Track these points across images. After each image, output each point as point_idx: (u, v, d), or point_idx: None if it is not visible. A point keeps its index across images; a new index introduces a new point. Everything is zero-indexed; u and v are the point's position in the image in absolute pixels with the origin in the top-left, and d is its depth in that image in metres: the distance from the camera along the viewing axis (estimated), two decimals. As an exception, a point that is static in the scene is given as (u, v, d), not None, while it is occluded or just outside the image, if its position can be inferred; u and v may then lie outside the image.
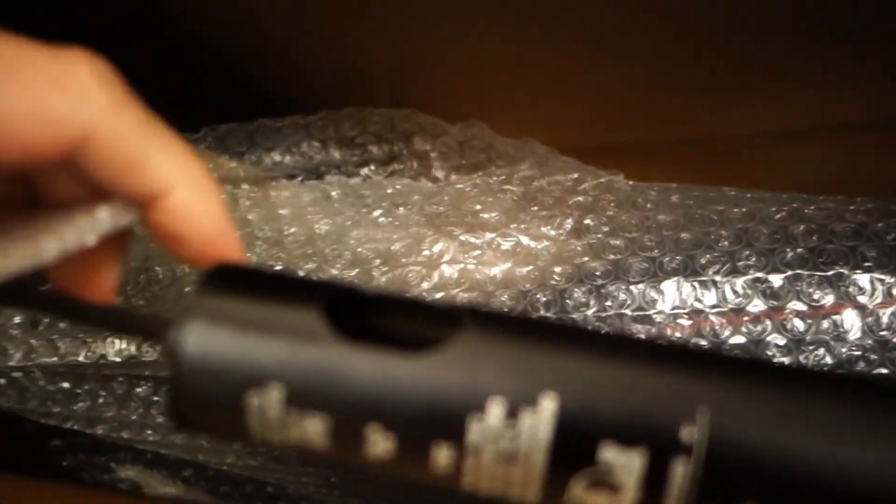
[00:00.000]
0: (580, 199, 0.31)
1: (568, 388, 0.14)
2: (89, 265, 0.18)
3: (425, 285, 0.29)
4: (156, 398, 0.30)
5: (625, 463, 0.14)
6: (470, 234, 0.30)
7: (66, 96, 0.15)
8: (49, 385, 0.32)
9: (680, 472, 0.14)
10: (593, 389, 0.14)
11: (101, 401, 0.32)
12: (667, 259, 0.29)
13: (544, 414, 0.14)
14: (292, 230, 0.31)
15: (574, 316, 0.28)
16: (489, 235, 0.30)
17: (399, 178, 0.35)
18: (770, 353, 0.28)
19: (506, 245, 0.30)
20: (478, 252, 0.30)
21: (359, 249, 0.30)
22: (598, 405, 0.14)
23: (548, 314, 0.29)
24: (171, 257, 0.32)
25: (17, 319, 0.32)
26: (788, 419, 0.14)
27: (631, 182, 0.32)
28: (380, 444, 0.14)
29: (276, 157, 0.35)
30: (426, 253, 0.30)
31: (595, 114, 0.41)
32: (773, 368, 0.16)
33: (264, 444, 0.15)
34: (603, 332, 0.17)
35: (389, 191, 0.32)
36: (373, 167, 0.35)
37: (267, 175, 0.34)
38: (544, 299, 0.29)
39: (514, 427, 0.14)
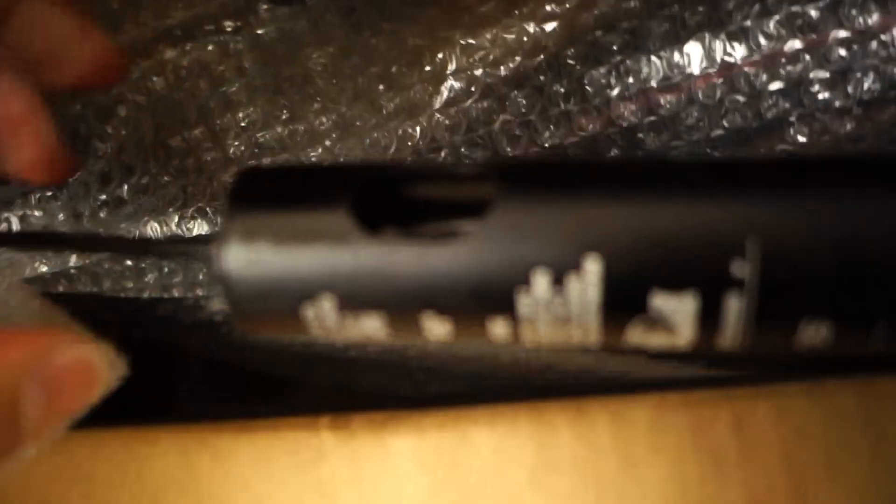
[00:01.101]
0: (583, -41, 0.27)
1: (610, 246, 0.14)
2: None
3: (436, 104, 0.28)
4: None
5: (677, 306, 0.14)
6: (470, 36, 0.27)
7: None
8: (116, 265, 0.34)
9: (734, 305, 0.14)
10: (636, 243, 0.14)
11: (166, 270, 0.34)
12: (688, 14, 0.26)
13: (589, 277, 0.14)
14: (288, 73, 0.29)
15: (596, 102, 0.27)
16: (490, 32, 0.27)
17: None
18: (814, 90, 0.26)
19: (510, 37, 0.27)
20: (482, 53, 0.27)
21: (360, 79, 0.28)
22: (642, 258, 0.14)
23: (568, 106, 0.27)
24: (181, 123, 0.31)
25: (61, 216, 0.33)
26: (839, 227, 0.13)
27: (637, -78, 0.28)
28: (437, 328, 0.15)
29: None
30: (428, 69, 0.28)
31: None
32: (820, 165, 0.14)
33: (329, 340, 0.16)
34: (639, 162, 0.16)
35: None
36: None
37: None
38: (563, 90, 0.27)
39: (562, 293, 0.14)
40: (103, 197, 0.31)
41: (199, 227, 0.30)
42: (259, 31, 0.30)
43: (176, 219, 0.30)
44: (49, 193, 0.31)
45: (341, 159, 0.28)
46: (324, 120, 0.28)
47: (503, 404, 0.24)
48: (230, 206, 0.16)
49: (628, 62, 0.26)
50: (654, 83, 0.26)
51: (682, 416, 0.24)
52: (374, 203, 0.15)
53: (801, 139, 0.27)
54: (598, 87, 0.27)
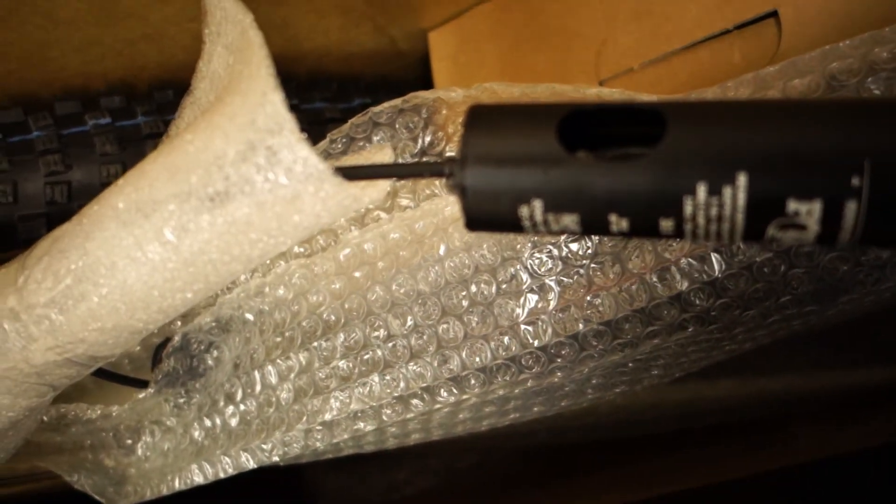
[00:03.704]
0: None
1: (756, 164, 0.18)
2: None
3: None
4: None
5: (807, 209, 0.18)
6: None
7: None
8: None
9: (852, 209, 0.18)
10: (776, 162, 0.18)
11: None
12: None
13: (740, 187, 0.18)
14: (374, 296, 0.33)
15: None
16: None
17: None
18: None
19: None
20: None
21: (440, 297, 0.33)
22: (781, 173, 0.18)
23: None
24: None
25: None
26: None
27: None
28: (619, 224, 0.20)
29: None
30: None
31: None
32: None
33: (535, 234, 0.22)
34: (776, 102, 0.21)
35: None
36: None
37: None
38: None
39: (719, 199, 0.18)
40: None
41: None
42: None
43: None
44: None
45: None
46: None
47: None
48: (466, 135, 0.20)
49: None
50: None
51: None
52: (571, 132, 0.20)
53: None
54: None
